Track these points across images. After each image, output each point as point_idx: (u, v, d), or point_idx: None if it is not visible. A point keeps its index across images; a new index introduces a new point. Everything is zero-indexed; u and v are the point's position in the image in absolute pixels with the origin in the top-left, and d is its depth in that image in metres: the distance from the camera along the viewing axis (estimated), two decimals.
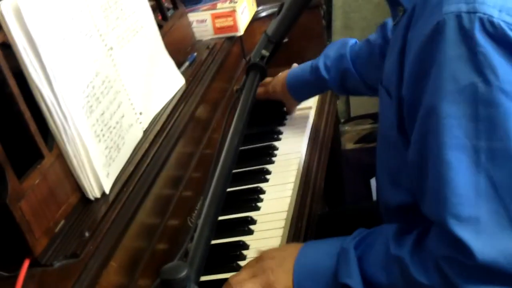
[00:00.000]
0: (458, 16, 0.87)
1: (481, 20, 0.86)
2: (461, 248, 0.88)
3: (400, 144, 1.04)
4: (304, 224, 1.34)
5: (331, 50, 1.59)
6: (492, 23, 0.86)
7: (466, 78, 0.87)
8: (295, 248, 1.12)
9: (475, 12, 0.86)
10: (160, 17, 1.63)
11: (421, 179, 0.96)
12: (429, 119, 0.91)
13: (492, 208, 0.87)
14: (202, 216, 0.82)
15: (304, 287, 1.07)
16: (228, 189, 1.40)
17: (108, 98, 1.18)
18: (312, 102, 1.78)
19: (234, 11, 1.80)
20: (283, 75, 1.70)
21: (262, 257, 1.13)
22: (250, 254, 1.24)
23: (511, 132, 0.86)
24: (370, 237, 1.07)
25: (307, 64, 1.65)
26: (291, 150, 1.55)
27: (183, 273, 0.71)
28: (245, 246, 1.26)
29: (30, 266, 0.94)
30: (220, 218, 1.33)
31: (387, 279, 1.00)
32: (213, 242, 1.28)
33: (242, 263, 1.21)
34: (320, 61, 1.59)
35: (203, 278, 1.19)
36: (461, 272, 0.90)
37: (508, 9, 0.87)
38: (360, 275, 1.02)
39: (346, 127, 2.67)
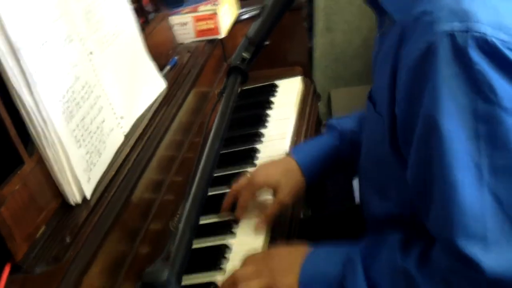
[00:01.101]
0: (452, 35, 0.86)
1: (475, 39, 0.86)
2: (471, 264, 0.88)
3: (390, 159, 1.04)
4: (287, 224, 1.35)
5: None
6: (486, 41, 0.86)
7: (465, 97, 0.87)
8: (302, 251, 1.13)
9: (468, 31, 0.86)
10: (142, 21, 1.62)
11: (423, 198, 0.96)
12: (429, 139, 0.91)
13: (498, 223, 0.88)
14: (183, 219, 0.82)
15: None
16: (211, 193, 1.43)
17: (88, 103, 1.17)
18: (293, 105, 1.78)
19: (215, 14, 1.80)
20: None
21: (270, 255, 1.15)
22: (233, 256, 1.24)
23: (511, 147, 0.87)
24: (376, 246, 1.07)
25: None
26: (274, 153, 1.55)
27: (165, 276, 0.71)
28: (228, 249, 1.26)
29: (11, 272, 0.93)
30: (203, 221, 1.34)
31: (392, 285, 1.00)
32: (197, 245, 1.28)
33: (225, 266, 1.21)
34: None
35: (186, 282, 1.19)
36: (471, 285, 0.90)
37: (502, 27, 0.87)
38: (366, 284, 1.03)
39: None
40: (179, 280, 0.75)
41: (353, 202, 2.08)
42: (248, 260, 1.16)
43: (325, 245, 1.14)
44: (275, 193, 1.33)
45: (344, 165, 1.39)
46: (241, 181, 1.37)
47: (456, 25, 0.87)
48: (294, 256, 1.12)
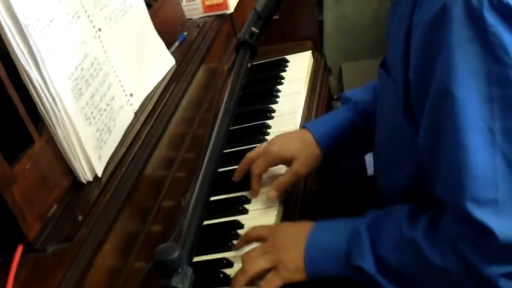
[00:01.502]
0: None
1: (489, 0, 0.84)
2: (482, 230, 0.87)
3: (404, 126, 1.03)
4: (299, 200, 1.34)
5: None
6: (500, 1, 0.84)
7: (478, 59, 0.86)
8: (307, 227, 1.12)
9: None
10: None
11: (434, 163, 0.95)
12: (442, 102, 0.90)
13: (510, 188, 0.87)
14: (194, 197, 0.81)
15: (315, 267, 1.08)
16: (222, 169, 1.42)
17: (97, 80, 1.16)
18: (303, 80, 1.77)
19: None
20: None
21: (274, 233, 1.14)
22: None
23: None
24: (382, 219, 1.06)
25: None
26: (285, 128, 1.54)
27: (175, 255, 0.71)
28: (240, 226, 1.26)
29: (23, 252, 0.94)
30: (215, 198, 1.34)
31: (398, 261, 1.00)
32: (208, 222, 1.28)
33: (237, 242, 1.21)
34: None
35: (199, 258, 1.19)
36: (481, 252, 0.89)
37: None
38: (373, 257, 1.02)
39: (339, 103, 2.65)
40: (190, 258, 0.75)
41: (365, 175, 2.08)
42: (254, 234, 1.16)
43: (330, 220, 1.13)
44: (290, 164, 1.31)
45: (361, 137, 1.37)
46: (256, 150, 1.35)
47: None
48: (298, 232, 1.12)
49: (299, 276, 1.08)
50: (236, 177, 1.35)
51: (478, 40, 0.86)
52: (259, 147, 1.36)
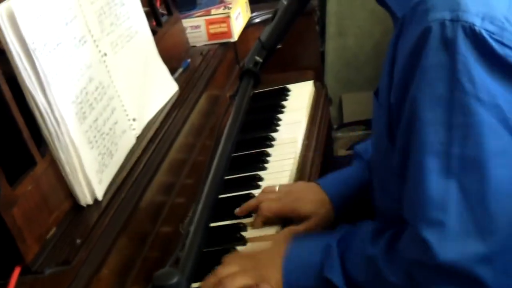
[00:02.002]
0: (442, 24, 0.89)
1: (463, 28, 0.88)
2: (425, 249, 0.90)
3: (389, 152, 1.05)
4: None
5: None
6: (474, 31, 0.88)
7: (444, 86, 0.90)
8: (283, 245, 1.15)
9: (458, 20, 0.88)
10: (154, 23, 1.63)
11: (402, 182, 0.98)
12: (410, 124, 0.94)
13: (460, 213, 0.90)
14: (194, 222, 0.82)
15: (291, 280, 1.10)
16: (223, 195, 1.42)
17: (101, 104, 1.17)
18: (304, 109, 1.78)
19: (228, 17, 1.80)
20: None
21: (251, 254, 1.16)
22: None
23: (484, 141, 0.89)
24: (350, 235, 1.10)
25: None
26: (284, 157, 1.55)
27: (175, 280, 0.71)
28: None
29: (21, 274, 0.93)
30: (214, 224, 1.34)
31: (362, 277, 1.04)
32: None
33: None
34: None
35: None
36: (427, 275, 0.93)
37: (491, 18, 0.89)
38: (342, 271, 1.06)
39: (339, 133, 2.67)
40: (189, 283, 0.75)
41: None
42: (229, 259, 1.16)
43: (306, 236, 1.18)
44: (302, 220, 1.30)
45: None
46: (270, 196, 1.34)
47: (446, 14, 0.89)
48: (276, 250, 1.14)
49: None
50: (240, 212, 1.35)
51: (447, 66, 0.89)
52: (272, 192, 1.36)
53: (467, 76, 0.88)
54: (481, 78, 0.88)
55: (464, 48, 0.88)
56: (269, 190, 1.37)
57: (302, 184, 1.42)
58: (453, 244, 0.90)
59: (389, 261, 0.99)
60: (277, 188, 1.38)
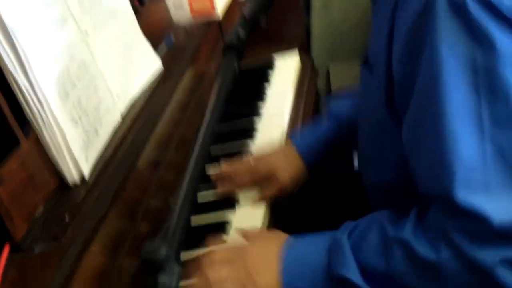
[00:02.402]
0: None
1: None
2: (475, 216, 0.86)
3: (388, 123, 1.04)
4: (286, 198, 1.36)
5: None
6: None
7: (464, 49, 0.87)
8: (278, 241, 1.07)
9: None
10: (136, 2, 1.62)
11: (418, 156, 0.95)
12: (428, 93, 0.91)
13: (500, 172, 0.87)
14: (180, 194, 0.82)
15: (294, 285, 1.02)
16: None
17: (84, 83, 1.18)
18: (290, 81, 1.78)
19: None
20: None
21: (243, 251, 1.07)
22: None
23: None
24: (362, 225, 1.03)
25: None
26: (272, 130, 1.56)
27: (162, 252, 0.72)
28: (228, 226, 1.27)
29: (10, 252, 0.94)
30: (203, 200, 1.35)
31: (385, 264, 0.96)
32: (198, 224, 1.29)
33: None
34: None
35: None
36: (476, 240, 0.87)
37: None
38: (357, 265, 0.97)
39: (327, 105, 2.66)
40: (178, 256, 0.76)
41: (352, 168, 2.08)
42: (219, 256, 1.06)
43: (304, 235, 1.08)
44: (275, 179, 1.32)
45: (345, 151, 1.40)
46: (245, 164, 1.35)
47: None
48: (270, 251, 1.05)
49: None
50: (214, 176, 1.34)
51: (462, 30, 0.87)
52: (247, 161, 1.36)
53: (485, 36, 0.86)
54: (499, 37, 0.86)
55: (475, 10, 0.86)
56: (244, 159, 1.37)
57: (273, 148, 1.40)
58: (503, 204, 0.85)
59: (423, 239, 0.92)
60: (251, 158, 1.38)
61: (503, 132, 0.87)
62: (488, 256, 0.86)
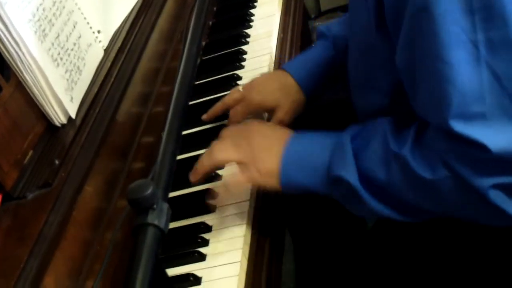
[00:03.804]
0: None
1: None
2: (473, 145, 0.85)
3: (378, 45, 1.00)
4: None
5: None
6: None
7: None
8: (285, 133, 1.08)
9: None
10: None
11: (414, 82, 0.93)
12: (422, 18, 0.87)
13: (497, 100, 0.85)
14: (165, 131, 0.80)
15: (291, 175, 1.04)
16: (200, 100, 1.40)
17: (61, 19, 1.13)
18: (277, 1, 1.72)
19: None
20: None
21: (250, 126, 1.10)
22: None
23: (509, 18, 0.83)
24: (366, 132, 1.03)
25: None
26: (260, 53, 1.52)
27: (149, 191, 0.70)
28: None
29: (3, 201, 0.93)
30: (194, 129, 1.32)
31: (385, 175, 0.97)
32: (187, 155, 1.26)
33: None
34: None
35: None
36: (472, 165, 0.88)
37: None
38: (356, 169, 0.99)
39: (317, 23, 2.62)
40: (165, 193, 0.74)
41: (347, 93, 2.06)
42: (225, 133, 1.11)
43: (311, 131, 1.09)
44: (273, 112, 1.27)
45: (342, 73, 1.31)
46: (234, 96, 1.29)
47: None
48: (276, 135, 1.08)
49: (269, 181, 1.05)
50: (207, 117, 1.31)
51: None
52: (237, 92, 1.30)
53: None
54: None
55: None
56: (233, 91, 1.32)
57: (264, 75, 1.35)
58: (500, 132, 0.85)
59: (420, 157, 0.93)
60: (241, 88, 1.32)
61: (499, 57, 0.84)
62: (482, 180, 0.87)
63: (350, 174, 0.99)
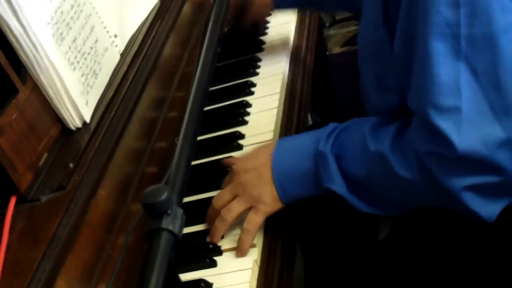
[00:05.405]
0: None
1: None
2: (441, 139, 0.87)
3: (386, 42, 1.01)
4: (294, 133, 1.33)
5: None
6: None
7: None
8: (267, 153, 1.09)
9: None
10: None
11: (407, 71, 0.94)
12: (413, 7, 0.90)
13: (473, 96, 0.86)
14: (181, 135, 0.80)
15: (288, 193, 1.06)
16: (214, 106, 1.41)
17: (79, 23, 1.13)
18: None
19: None
20: None
21: (236, 172, 1.10)
22: None
23: (492, 18, 0.84)
24: (345, 133, 1.05)
25: None
26: (275, 60, 1.52)
27: (164, 196, 0.70)
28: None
29: (17, 203, 0.93)
30: (209, 135, 1.33)
31: (366, 174, 1.00)
32: (201, 161, 1.27)
33: None
34: None
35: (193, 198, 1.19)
36: (443, 165, 0.89)
37: None
38: (341, 176, 1.02)
39: (331, 31, 2.61)
40: (180, 198, 0.74)
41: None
42: (226, 195, 1.10)
43: (288, 139, 1.13)
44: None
45: None
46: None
47: None
48: (261, 161, 1.09)
49: (277, 206, 1.07)
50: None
51: None
52: None
53: None
54: None
55: None
56: None
57: None
58: (470, 131, 0.86)
59: (399, 155, 0.95)
60: None
61: (479, 55, 0.85)
62: (453, 182, 0.88)
63: (337, 185, 1.02)
